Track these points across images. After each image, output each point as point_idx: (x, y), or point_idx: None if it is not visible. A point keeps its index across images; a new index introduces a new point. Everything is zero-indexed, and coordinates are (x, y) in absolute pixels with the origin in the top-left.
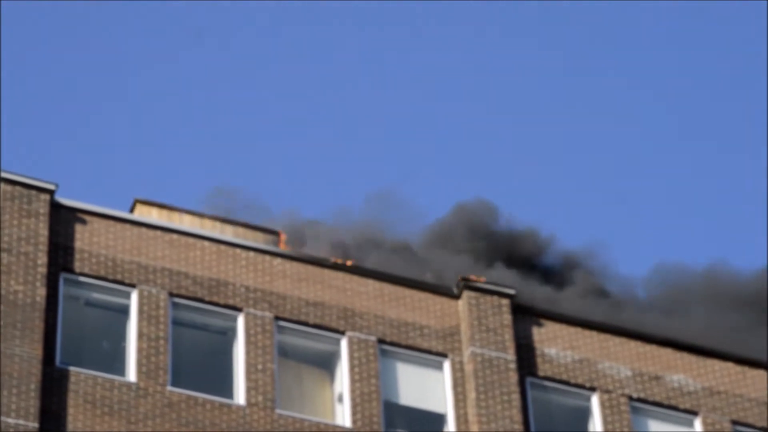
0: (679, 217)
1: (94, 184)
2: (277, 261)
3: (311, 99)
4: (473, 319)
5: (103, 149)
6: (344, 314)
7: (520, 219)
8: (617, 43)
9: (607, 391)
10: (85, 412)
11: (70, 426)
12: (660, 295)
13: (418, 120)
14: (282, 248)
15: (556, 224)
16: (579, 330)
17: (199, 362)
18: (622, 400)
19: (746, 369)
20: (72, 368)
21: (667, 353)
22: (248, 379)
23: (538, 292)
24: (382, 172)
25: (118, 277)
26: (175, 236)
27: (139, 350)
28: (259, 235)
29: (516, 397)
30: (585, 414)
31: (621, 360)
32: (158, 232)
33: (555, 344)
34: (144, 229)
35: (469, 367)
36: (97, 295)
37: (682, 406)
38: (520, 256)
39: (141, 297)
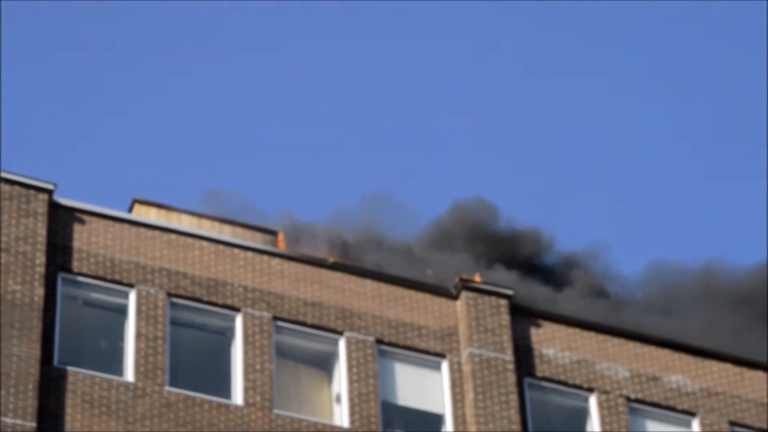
0: (677, 217)
1: (93, 183)
2: (275, 261)
3: (310, 99)
4: (471, 320)
5: (102, 149)
6: (342, 314)
7: (520, 219)
8: (617, 43)
9: (605, 392)
10: (83, 412)
11: (68, 426)
12: (657, 293)
13: (415, 120)
14: (280, 248)
15: (556, 224)
16: (577, 331)
17: (197, 362)
18: (620, 400)
19: (744, 370)
20: (70, 368)
21: (665, 354)
22: (246, 379)
23: (537, 293)
24: (380, 172)
25: (117, 277)
26: (173, 236)
27: (137, 350)
28: (258, 236)
29: (514, 397)
30: (583, 414)
31: (619, 361)
32: (156, 232)
33: (553, 345)
34: (142, 229)
35: (467, 368)
36: (95, 295)
37: (680, 407)
38: (519, 257)
39: (139, 297)
